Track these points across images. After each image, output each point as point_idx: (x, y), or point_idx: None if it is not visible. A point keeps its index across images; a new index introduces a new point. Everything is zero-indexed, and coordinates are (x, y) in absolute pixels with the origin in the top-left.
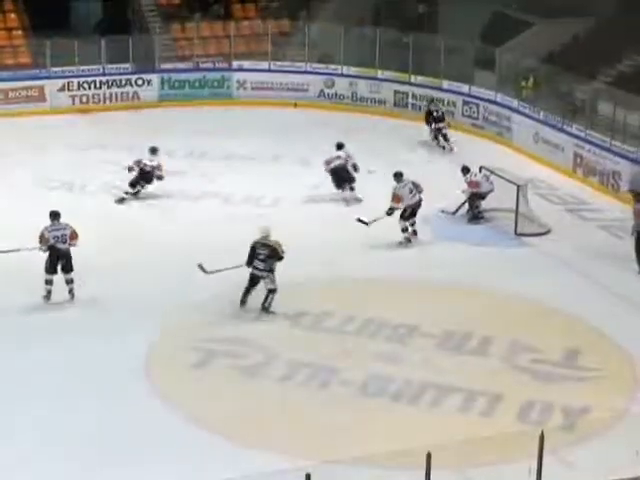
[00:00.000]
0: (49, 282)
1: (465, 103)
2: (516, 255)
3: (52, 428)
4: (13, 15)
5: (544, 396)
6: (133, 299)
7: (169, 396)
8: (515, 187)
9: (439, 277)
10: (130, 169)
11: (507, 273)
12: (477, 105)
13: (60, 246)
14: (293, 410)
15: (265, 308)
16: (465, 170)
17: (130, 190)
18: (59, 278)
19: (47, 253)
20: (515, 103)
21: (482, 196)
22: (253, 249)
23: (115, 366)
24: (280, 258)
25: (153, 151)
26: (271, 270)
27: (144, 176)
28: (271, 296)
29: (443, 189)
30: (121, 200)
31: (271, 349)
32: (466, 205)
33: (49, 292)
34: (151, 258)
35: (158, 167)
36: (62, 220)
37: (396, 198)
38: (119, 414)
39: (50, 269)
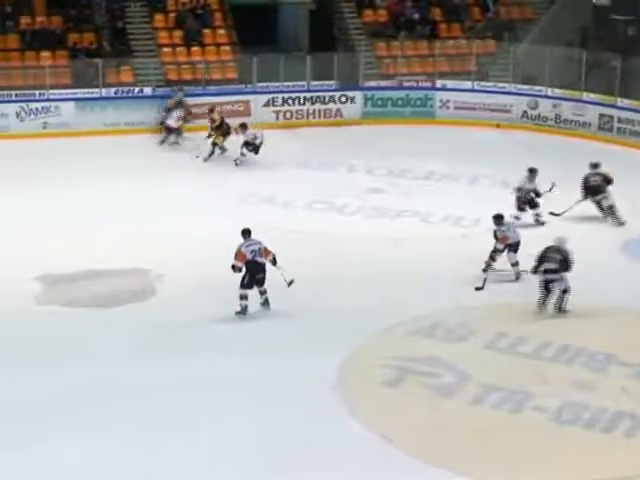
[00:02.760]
0: (245, 297)
1: None
2: None
3: (239, 432)
4: (222, 31)
5: None
6: (329, 313)
7: (357, 410)
8: None
9: (638, 304)
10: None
11: None
12: None
13: (259, 259)
14: (482, 433)
15: (561, 309)
16: None
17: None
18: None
19: (244, 269)
20: None
21: None
22: (545, 252)
23: (307, 378)
24: (568, 268)
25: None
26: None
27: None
28: (565, 296)
29: None
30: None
31: (464, 370)
32: None
33: (245, 307)
34: (349, 273)
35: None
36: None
37: (502, 239)
38: (306, 425)
39: (248, 284)
